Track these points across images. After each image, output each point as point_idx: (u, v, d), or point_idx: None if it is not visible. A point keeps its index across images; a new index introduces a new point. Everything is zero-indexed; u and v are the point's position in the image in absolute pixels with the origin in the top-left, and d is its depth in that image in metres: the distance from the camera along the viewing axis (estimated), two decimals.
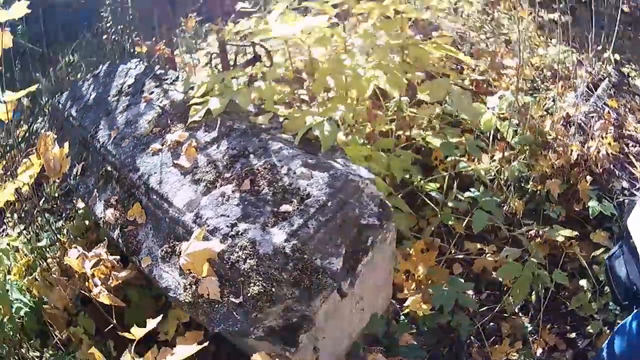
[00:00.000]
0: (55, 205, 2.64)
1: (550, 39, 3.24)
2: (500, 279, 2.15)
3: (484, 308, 2.14)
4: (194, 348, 1.36)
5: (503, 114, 2.67)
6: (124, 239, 1.68)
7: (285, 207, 1.48)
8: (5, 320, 1.80)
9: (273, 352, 1.45)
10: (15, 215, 2.29)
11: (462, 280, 2.03)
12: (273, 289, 1.35)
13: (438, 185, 2.34)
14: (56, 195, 2.65)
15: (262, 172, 1.58)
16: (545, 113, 2.78)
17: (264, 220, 1.45)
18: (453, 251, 2.30)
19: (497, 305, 2.10)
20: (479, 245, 2.32)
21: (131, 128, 1.91)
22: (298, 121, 1.77)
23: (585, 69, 2.96)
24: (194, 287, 1.45)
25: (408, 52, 2.14)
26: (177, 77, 2.13)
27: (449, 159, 2.45)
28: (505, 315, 2.11)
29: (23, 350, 1.77)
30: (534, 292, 2.12)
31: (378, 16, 2.21)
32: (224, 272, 1.41)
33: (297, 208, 1.46)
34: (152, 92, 2.03)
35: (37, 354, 1.77)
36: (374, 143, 2.21)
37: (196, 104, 1.84)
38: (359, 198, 1.53)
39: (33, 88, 1.80)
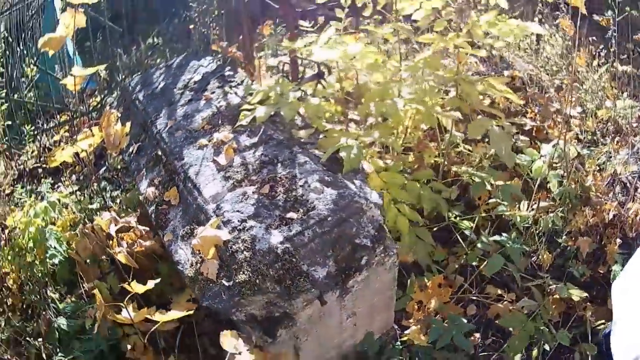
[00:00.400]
0: (115, 177, 3.37)
1: (622, 92, 3.53)
2: (511, 329, 2.46)
3: (485, 353, 2.47)
4: (181, 313, 1.94)
5: (555, 163, 3.05)
6: (157, 214, 2.27)
7: (291, 215, 1.98)
8: (37, 262, 2.48)
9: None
10: (74, 177, 3.01)
11: (465, 321, 2.40)
12: (257, 280, 1.84)
13: (472, 224, 2.74)
14: (118, 167, 3.38)
15: (282, 181, 2.11)
16: (597, 168, 3.06)
17: (269, 222, 1.96)
18: (473, 292, 2.67)
19: (495, 353, 2.43)
20: (499, 291, 2.66)
21: (187, 121, 2.52)
22: (332, 140, 2.27)
23: None
24: (198, 265, 1.99)
25: (462, 88, 2.62)
26: (242, 81, 2.73)
27: (491, 200, 2.84)
28: None
29: (48, 292, 2.44)
30: (536, 347, 2.41)
31: (434, 49, 2.71)
32: (225, 258, 1.93)
33: (301, 217, 1.96)
34: (213, 92, 2.64)
35: (58, 296, 2.44)
36: (414, 173, 2.69)
37: (246, 109, 2.43)
38: (359, 219, 1.98)
39: (102, 67, 2.45)
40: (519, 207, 2.86)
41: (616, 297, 1.74)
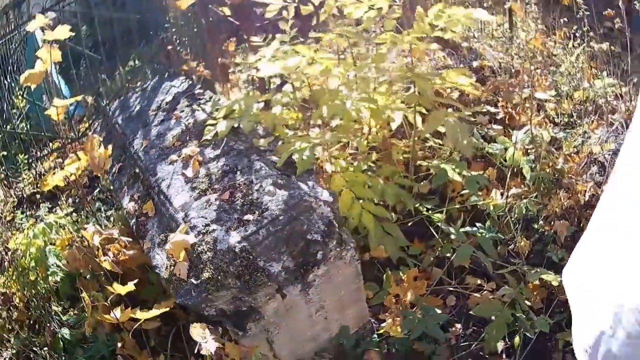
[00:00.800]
0: (109, 197, 3.84)
1: (601, 71, 3.80)
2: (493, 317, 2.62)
3: (466, 343, 2.71)
4: (160, 311, 2.38)
5: (529, 149, 3.36)
6: (137, 226, 2.71)
7: (247, 217, 2.40)
8: (40, 279, 2.95)
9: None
10: (70, 200, 3.49)
11: (439, 312, 2.68)
12: (219, 277, 2.26)
13: (443, 216, 3.04)
14: (110, 187, 3.85)
15: (241, 187, 2.52)
16: (575, 150, 3.31)
17: (229, 225, 2.37)
18: (452, 283, 2.94)
19: (474, 343, 2.68)
20: (479, 281, 2.92)
21: (159, 140, 2.95)
22: (288, 146, 2.70)
23: (625, 103, 3.45)
24: (172, 267, 2.43)
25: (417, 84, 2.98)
26: (210, 98, 3.17)
27: (465, 191, 3.14)
28: (486, 354, 2.65)
29: (52, 307, 2.90)
30: (517, 335, 2.60)
31: (388, 48, 3.09)
32: (193, 259, 2.36)
33: (256, 218, 2.37)
34: (182, 111, 3.07)
35: (61, 309, 2.90)
36: (380, 170, 3.07)
37: (211, 124, 2.85)
38: (309, 216, 2.37)
39: (79, 98, 2.92)
40: (492, 196, 3.15)
41: (568, 284, 1.72)
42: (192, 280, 2.32)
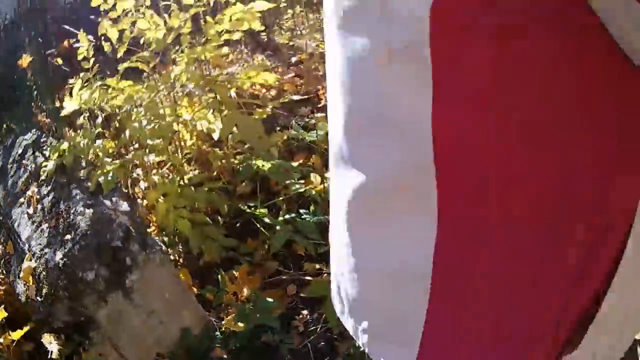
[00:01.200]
0: None
1: None
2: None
3: (314, 327, 2.86)
4: (24, 330, 3.04)
5: None
6: (4, 266, 3.40)
7: (67, 237, 3.06)
8: None
9: None
10: None
11: (271, 300, 2.90)
12: (52, 291, 2.93)
13: (264, 211, 3.33)
14: None
15: (62, 213, 3.18)
16: None
17: (56, 246, 3.04)
18: (290, 272, 3.13)
19: (321, 326, 2.85)
20: (317, 266, 3.07)
21: (13, 188, 3.62)
22: (99, 171, 3.33)
23: None
24: (27, 292, 3.10)
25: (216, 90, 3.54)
26: (51, 144, 3.80)
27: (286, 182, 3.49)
28: (335, 334, 2.81)
29: None
30: None
31: (189, 64, 3.66)
32: (36, 280, 3.03)
33: (72, 237, 3.03)
34: (29, 159, 3.73)
35: None
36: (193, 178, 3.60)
37: (44, 166, 3.49)
38: (110, 227, 3.02)
39: None
40: (312, 181, 3.46)
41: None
42: (38, 298, 2.97)
